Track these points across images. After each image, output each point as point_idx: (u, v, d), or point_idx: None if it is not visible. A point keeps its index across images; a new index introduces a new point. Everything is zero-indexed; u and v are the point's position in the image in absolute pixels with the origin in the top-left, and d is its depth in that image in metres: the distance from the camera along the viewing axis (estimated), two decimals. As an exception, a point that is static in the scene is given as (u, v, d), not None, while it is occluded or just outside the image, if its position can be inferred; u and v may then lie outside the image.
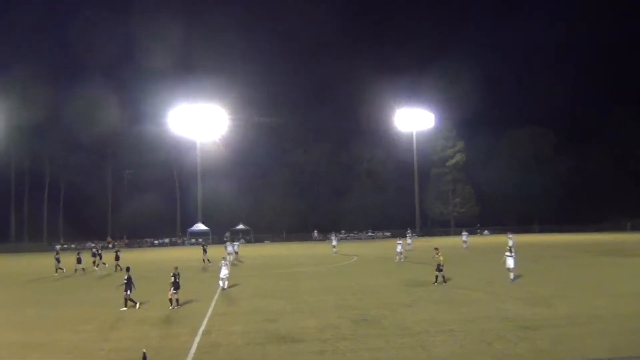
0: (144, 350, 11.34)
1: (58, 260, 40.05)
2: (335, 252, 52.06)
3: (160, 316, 20.20)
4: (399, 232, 73.93)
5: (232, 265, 40.67)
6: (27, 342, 16.53)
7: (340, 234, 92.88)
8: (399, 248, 41.26)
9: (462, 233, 58.57)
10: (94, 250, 45.01)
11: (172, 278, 22.18)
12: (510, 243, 44.61)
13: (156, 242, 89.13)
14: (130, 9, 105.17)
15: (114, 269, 39.67)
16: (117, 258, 40.87)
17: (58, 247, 65.01)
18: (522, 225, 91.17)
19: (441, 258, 27.58)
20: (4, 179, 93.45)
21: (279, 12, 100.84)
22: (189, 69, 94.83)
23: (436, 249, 29.20)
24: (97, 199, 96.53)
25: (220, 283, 26.84)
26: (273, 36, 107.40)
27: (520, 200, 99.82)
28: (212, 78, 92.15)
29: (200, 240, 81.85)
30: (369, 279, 30.44)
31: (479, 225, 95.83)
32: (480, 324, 17.41)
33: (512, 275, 26.89)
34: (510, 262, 27.04)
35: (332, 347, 14.93)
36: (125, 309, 21.71)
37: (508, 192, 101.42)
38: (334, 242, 55.55)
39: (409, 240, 55.45)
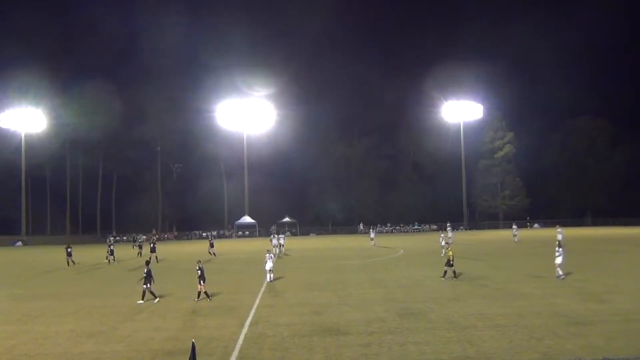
0: (193, 340, 11.58)
1: (111, 252, 42.39)
2: (374, 245, 54.20)
3: (209, 307, 20.58)
4: (445, 225, 73.11)
5: (278, 258, 41.17)
6: (82, 331, 17.10)
7: (386, 226, 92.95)
8: (442, 242, 40.77)
9: (513, 226, 57.37)
10: (139, 242, 46.41)
11: (199, 272, 22.31)
12: (560, 237, 43.49)
13: (204, 234, 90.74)
14: (178, 8, 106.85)
15: (155, 260, 40.92)
16: (152, 250, 42.31)
17: (111, 238, 67.19)
18: (574, 218, 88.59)
19: (450, 253, 26.97)
20: (59, 174, 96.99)
21: (324, 6, 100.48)
22: (236, 64, 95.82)
23: (447, 243, 29.06)
24: (148, 192, 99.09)
25: (268, 276, 27.03)
26: (320, 30, 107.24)
27: (572, 193, 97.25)
28: (258, 72, 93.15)
29: (246, 232, 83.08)
30: (415, 272, 30.18)
31: (528, 218, 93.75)
32: (529, 319, 17.01)
33: (559, 271, 25.54)
34: (558, 259, 25.70)
35: (378, 340, 14.88)
36: (142, 302, 21.88)
37: (560, 184, 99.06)
38: (372, 235, 58.63)
39: (449, 234, 54.83)
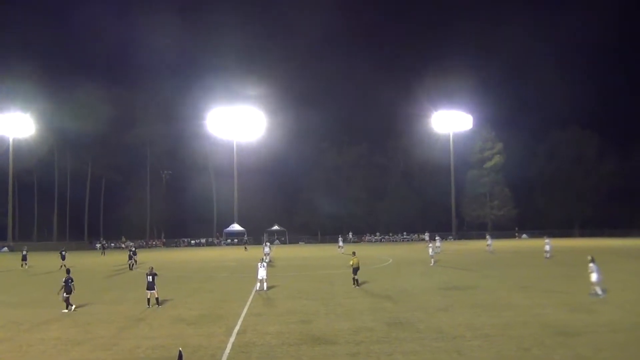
0: (180, 348, 11.49)
1: (130, 257, 42.47)
2: (342, 253, 54.89)
3: (197, 315, 20.45)
4: (433, 234, 73.30)
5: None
6: (67, 339, 16.93)
7: (375, 235, 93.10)
8: (430, 251, 40.88)
9: (487, 237, 58.00)
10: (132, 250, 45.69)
11: (149, 278, 22.66)
12: (547, 247, 43.84)
13: (193, 242, 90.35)
14: (169, 14, 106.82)
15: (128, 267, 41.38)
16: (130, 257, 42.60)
17: (131, 243, 66.98)
18: (562, 229, 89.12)
19: (356, 260, 28.09)
20: (47, 179, 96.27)
21: (315, 14, 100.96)
22: (227, 71, 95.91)
23: (353, 252, 29.74)
24: (136, 198, 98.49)
25: (258, 285, 26.78)
26: (309, 37, 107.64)
27: (560, 203, 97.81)
28: (249, 79, 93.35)
29: (243, 239, 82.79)
30: (404, 281, 30.19)
31: (517, 228, 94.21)
32: (517, 329, 17.07)
33: (598, 290, 22.81)
34: (593, 275, 22.97)
35: (366, 350, 14.86)
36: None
37: (548, 194, 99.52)
38: (341, 244, 60.43)
39: (438, 243, 55.02)
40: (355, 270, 27.97)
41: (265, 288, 26.74)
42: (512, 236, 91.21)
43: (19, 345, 16.18)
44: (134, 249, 44.76)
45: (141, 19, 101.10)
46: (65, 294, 22.08)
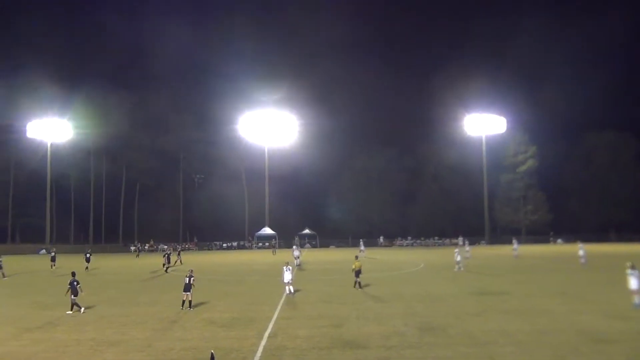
0: (213, 350, 11.61)
1: (168, 260, 43.08)
2: (364, 257, 49.73)
3: (229, 318, 20.64)
4: (465, 239, 72.43)
5: (298, 270, 41.17)
6: (102, 340, 17.28)
7: (406, 239, 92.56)
8: (457, 257, 39.91)
9: (513, 241, 57.33)
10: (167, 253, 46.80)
11: (187, 279, 22.92)
12: (581, 253, 42.81)
13: (225, 245, 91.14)
14: (202, 22, 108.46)
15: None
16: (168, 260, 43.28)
17: (166, 246, 68.67)
18: (598, 233, 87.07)
19: (358, 264, 28.95)
20: (83, 183, 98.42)
21: (347, 18, 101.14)
22: (257, 76, 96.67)
23: (356, 256, 30.82)
24: (169, 202, 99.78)
25: (287, 289, 26.77)
26: (340, 41, 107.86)
27: (596, 208, 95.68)
28: (279, 84, 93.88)
29: (267, 244, 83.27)
30: (436, 286, 29.92)
31: (552, 233, 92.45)
32: (552, 336, 16.76)
33: (636, 299, 21.43)
34: (633, 282, 21.53)
35: (397, 355, 14.78)
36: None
37: (583, 199, 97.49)
38: (362, 247, 58.00)
39: (467, 248, 54.47)
40: (357, 273, 28.80)
41: (292, 291, 26.71)
42: (547, 241, 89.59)
43: (56, 345, 16.58)
44: (169, 252, 45.78)
45: (174, 26, 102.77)
46: (72, 295, 22.47)
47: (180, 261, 48.26)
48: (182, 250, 65.71)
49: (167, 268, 42.15)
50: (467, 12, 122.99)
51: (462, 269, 38.79)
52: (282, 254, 60.91)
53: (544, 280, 32.25)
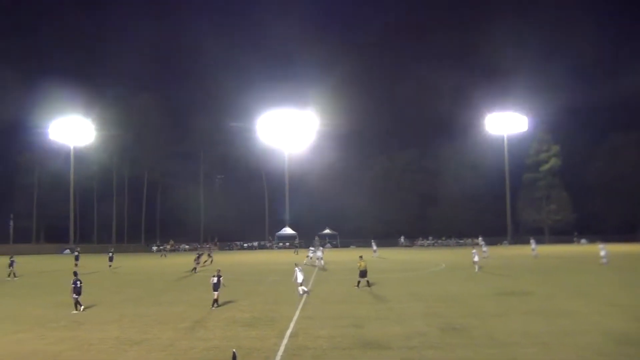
0: (234, 350, 11.66)
1: (197, 262, 43.43)
2: (376, 257, 54.07)
3: (250, 317, 20.72)
4: (488, 239, 71.80)
5: (320, 270, 41.22)
6: (125, 339, 17.46)
7: (427, 239, 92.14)
8: (475, 257, 39.24)
9: (531, 241, 56.67)
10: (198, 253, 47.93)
11: (215, 279, 23.29)
12: (602, 253, 42.12)
13: (245, 245, 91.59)
14: (222, 21, 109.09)
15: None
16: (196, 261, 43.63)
17: (199, 246, 69.74)
18: (624, 233, 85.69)
19: (363, 264, 29.13)
20: (106, 185, 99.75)
21: (367, 19, 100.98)
22: (276, 76, 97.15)
23: (360, 256, 30.65)
24: (190, 203, 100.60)
25: (301, 289, 26.61)
26: (361, 43, 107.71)
27: (621, 208, 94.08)
28: (299, 85, 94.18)
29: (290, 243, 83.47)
30: (457, 286, 29.70)
31: (576, 233, 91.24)
32: (577, 337, 16.50)
33: None
34: None
35: (418, 355, 14.70)
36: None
37: (608, 198, 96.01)
38: (374, 247, 59.63)
39: (484, 248, 54.04)
40: (363, 273, 29.02)
41: (306, 290, 26.67)
42: (571, 241, 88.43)
43: (80, 344, 16.79)
44: (201, 252, 47.23)
45: (196, 28, 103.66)
46: (74, 295, 22.82)
47: (211, 261, 48.79)
48: (200, 250, 66.21)
49: (194, 269, 42.21)
50: (488, 11, 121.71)
51: (479, 269, 38.29)
52: (304, 254, 60.97)
53: (566, 281, 31.84)
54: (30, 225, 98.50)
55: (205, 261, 48.16)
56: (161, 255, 69.02)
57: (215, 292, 23.19)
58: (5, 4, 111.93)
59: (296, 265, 28.06)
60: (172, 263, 54.53)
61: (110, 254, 48.11)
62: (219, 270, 24.33)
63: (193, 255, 46.04)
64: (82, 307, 22.86)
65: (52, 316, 21.87)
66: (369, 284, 29.01)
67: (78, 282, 23.00)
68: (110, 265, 46.37)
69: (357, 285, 28.93)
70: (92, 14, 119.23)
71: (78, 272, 25.00)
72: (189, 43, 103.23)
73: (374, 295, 26.42)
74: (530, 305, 22.53)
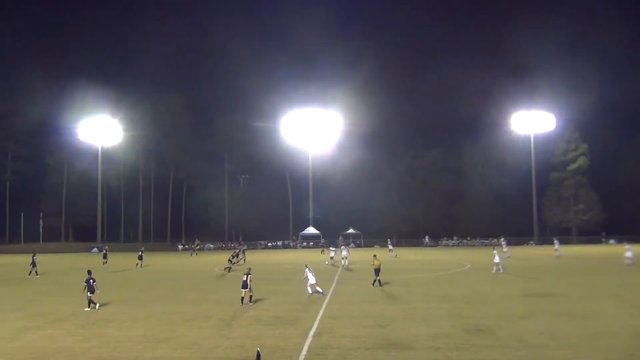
0: (259, 348, 11.71)
1: (231, 261, 43.75)
2: (395, 256, 54.93)
3: (274, 317, 20.79)
4: (515, 239, 70.89)
5: (345, 270, 41.16)
6: (152, 337, 17.68)
7: (452, 240, 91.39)
8: (496, 258, 37.97)
9: (554, 241, 56.02)
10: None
11: (245, 277, 23.63)
12: (629, 254, 40.97)
13: (269, 244, 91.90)
14: (247, 21, 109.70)
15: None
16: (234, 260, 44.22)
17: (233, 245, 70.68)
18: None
19: (378, 262, 29.50)
20: (133, 184, 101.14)
21: (393, 19, 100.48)
22: (300, 75, 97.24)
23: (374, 255, 31.08)
24: (215, 202, 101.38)
25: (309, 290, 26.63)
26: (385, 41, 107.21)
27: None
28: (323, 84, 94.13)
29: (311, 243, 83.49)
30: (483, 287, 29.39)
31: (604, 233, 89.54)
32: (606, 340, 16.20)
33: None
34: None
35: (444, 357, 14.58)
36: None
37: (638, 198, 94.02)
38: (391, 247, 60.70)
39: (504, 249, 53.28)
40: (377, 271, 29.32)
41: (318, 291, 26.61)
42: (599, 242, 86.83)
43: (108, 341, 17.05)
44: (238, 251, 48.63)
45: (222, 28, 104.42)
46: (88, 293, 23.21)
47: (244, 260, 49.17)
48: (225, 249, 66.74)
49: (226, 268, 42.15)
50: (514, 7, 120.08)
51: (501, 270, 37.47)
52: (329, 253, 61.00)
53: (594, 282, 31.28)
54: (59, 224, 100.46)
55: (238, 260, 48.42)
56: (191, 254, 69.82)
57: (244, 290, 23.48)
58: (33, 6, 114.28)
59: (306, 265, 28.41)
60: (201, 262, 55.13)
61: (140, 253, 48.77)
62: (249, 269, 24.77)
63: (221, 254, 46.42)
64: (97, 305, 23.22)
65: (81, 314, 22.23)
66: (380, 283, 29.20)
67: (91, 281, 23.43)
68: (139, 264, 47.09)
69: (373, 284, 29.19)
70: (119, 15, 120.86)
71: (92, 270, 25.29)
72: (215, 43, 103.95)
73: (399, 296, 26.30)
74: (557, 307, 22.20)
